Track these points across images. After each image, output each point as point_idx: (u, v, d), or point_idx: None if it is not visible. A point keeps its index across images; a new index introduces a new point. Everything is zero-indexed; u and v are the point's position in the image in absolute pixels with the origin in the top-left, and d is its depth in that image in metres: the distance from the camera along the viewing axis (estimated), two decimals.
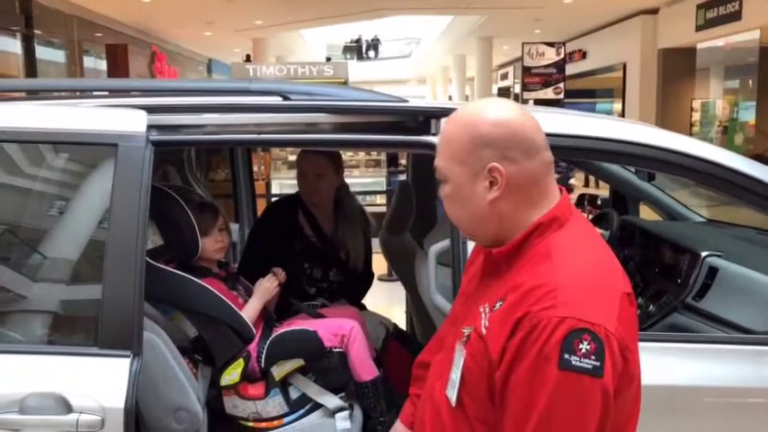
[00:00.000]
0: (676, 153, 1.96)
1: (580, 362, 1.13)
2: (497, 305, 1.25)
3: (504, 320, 1.21)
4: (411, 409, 1.72)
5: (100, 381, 1.67)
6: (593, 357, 1.13)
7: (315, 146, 2.39)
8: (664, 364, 1.85)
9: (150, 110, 1.89)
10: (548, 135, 1.33)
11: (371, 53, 27.96)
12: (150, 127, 1.84)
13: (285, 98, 2.03)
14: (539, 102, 10.67)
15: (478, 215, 1.29)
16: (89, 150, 1.89)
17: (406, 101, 2.10)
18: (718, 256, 2.40)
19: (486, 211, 1.28)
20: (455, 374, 1.29)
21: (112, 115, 1.85)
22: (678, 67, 13.19)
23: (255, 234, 2.87)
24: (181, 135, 1.96)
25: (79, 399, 1.64)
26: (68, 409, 1.64)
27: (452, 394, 1.29)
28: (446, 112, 1.97)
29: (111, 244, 1.73)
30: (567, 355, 1.13)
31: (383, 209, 7.77)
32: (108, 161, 1.80)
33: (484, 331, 1.25)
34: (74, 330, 1.84)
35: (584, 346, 1.13)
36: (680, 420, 1.83)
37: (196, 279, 2.08)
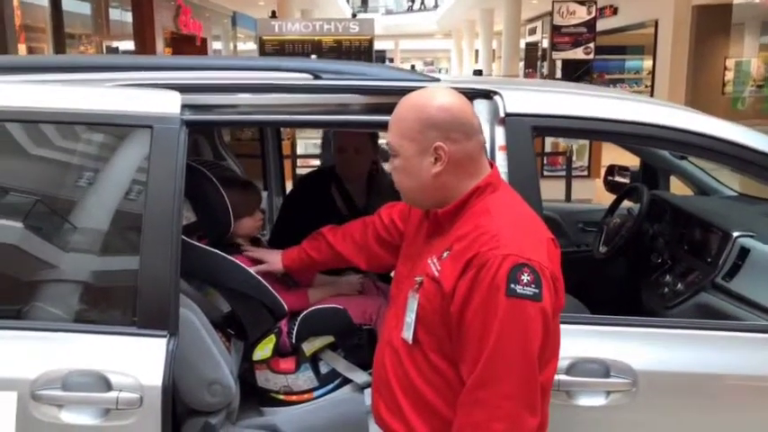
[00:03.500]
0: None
1: (523, 289, 1.38)
2: (444, 254, 1.49)
3: (455, 262, 1.45)
4: (295, 254, 2.18)
5: (138, 360, 1.72)
6: (533, 286, 1.39)
7: (346, 127, 2.39)
8: (691, 352, 1.86)
9: (183, 89, 1.90)
10: None
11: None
12: (184, 107, 1.86)
13: (316, 77, 2.02)
14: (567, 62, 10.44)
15: (424, 185, 1.53)
16: (125, 130, 1.90)
17: (438, 80, 2.08)
18: (751, 236, 2.37)
19: (429, 183, 1.52)
20: (410, 318, 1.53)
21: (147, 96, 1.86)
22: (712, 25, 12.81)
23: (288, 207, 2.90)
24: (214, 115, 1.97)
25: (119, 377, 1.70)
26: (108, 386, 1.69)
27: (409, 334, 1.53)
28: (478, 92, 1.96)
29: (147, 225, 1.76)
30: (512, 285, 1.38)
31: None
32: (143, 140, 1.82)
33: (437, 274, 1.48)
34: (113, 310, 1.89)
35: (525, 277, 1.38)
36: (706, 408, 1.85)
37: (229, 256, 2.11)
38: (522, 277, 1.38)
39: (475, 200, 1.52)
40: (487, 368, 1.39)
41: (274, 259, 2.23)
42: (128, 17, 13.84)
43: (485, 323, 1.39)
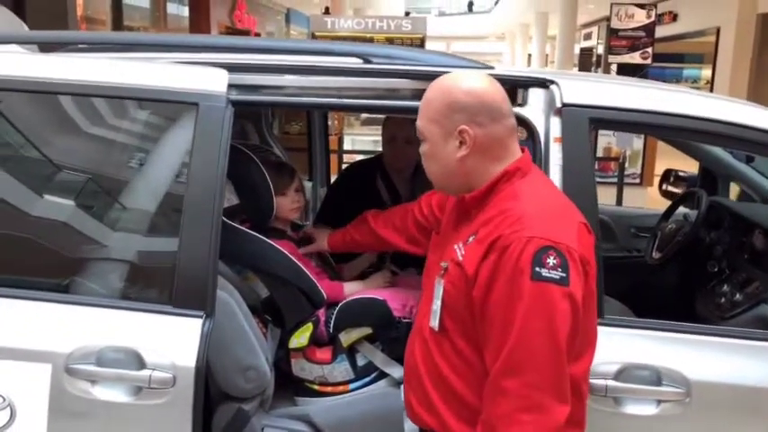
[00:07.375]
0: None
1: (549, 273, 1.33)
2: (470, 239, 1.46)
3: (478, 245, 1.42)
4: (339, 237, 2.27)
5: (173, 339, 1.69)
6: (559, 269, 1.33)
7: (395, 112, 2.34)
8: (751, 364, 1.75)
9: (231, 68, 1.87)
10: None
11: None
12: (231, 86, 1.83)
13: (366, 61, 1.97)
14: (623, 66, 10.15)
15: (449, 170, 1.50)
16: (171, 107, 1.88)
17: (492, 67, 2.01)
18: None
19: (454, 166, 1.49)
20: (436, 305, 1.50)
21: (194, 73, 1.84)
22: None
23: (332, 195, 2.88)
24: (260, 96, 1.94)
25: (152, 355, 1.68)
26: (142, 364, 1.67)
27: (435, 322, 1.50)
28: (534, 81, 1.88)
29: (188, 204, 1.73)
30: (537, 268, 1.33)
31: None
32: (189, 117, 1.80)
33: (460, 258, 1.46)
34: (149, 288, 1.87)
35: (551, 260, 1.33)
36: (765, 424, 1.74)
37: (270, 241, 2.07)
38: (548, 260, 1.33)
39: (503, 185, 1.48)
40: (512, 356, 1.34)
41: (321, 237, 2.33)
42: (184, 11, 14.06)
43: (508, 308, 1.34)
